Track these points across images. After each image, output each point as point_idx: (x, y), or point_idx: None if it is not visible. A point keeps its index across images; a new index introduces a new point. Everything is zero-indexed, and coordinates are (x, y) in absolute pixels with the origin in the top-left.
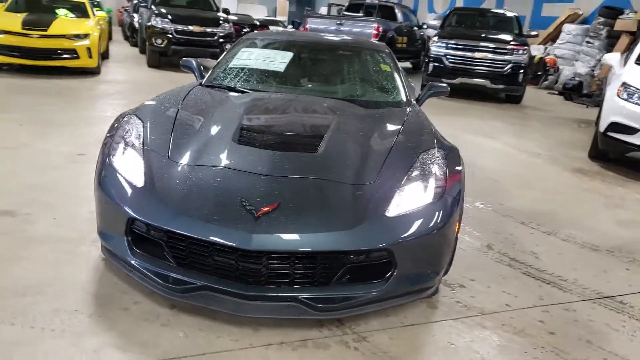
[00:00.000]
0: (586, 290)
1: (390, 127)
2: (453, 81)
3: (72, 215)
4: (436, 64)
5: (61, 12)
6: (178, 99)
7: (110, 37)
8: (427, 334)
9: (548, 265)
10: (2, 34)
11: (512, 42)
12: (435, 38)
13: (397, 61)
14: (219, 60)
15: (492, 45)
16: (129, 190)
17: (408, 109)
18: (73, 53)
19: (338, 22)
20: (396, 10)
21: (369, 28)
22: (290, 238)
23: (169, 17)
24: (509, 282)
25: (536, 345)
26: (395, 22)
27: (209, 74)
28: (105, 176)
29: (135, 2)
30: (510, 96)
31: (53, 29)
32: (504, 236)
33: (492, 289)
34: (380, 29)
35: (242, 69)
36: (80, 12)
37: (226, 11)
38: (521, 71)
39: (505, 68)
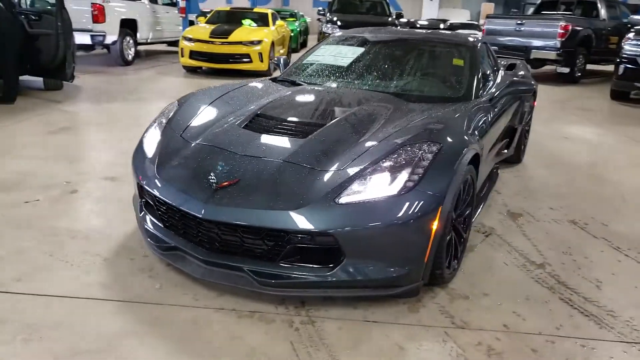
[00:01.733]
0: (634, 332)
1: (409, 120)
2: None
3: None
4: (629, 65)
5: (246, 22)
6: (226, 89)
7: (304, 44)
8: (380, 333)
9: (605, 297)
10: (195, 42)
11: None
12: (631, 35)
13: (479, 56)
14: (300, 56)
15: None
16: (142, 160)
17: (462, 105)
18: (247, 57)
19: (518, 22)
20: (599, 5)
21: (554, 27)
22: (236, 211)
23: (338, 23)
24: (532, 304)
25: None
26: (597, 19)
27: (286, 68)
28: (136, 149)
29: None
30: None
31: (232, 37)
32: (573, 258)
33: (502, 307)
34: (570, 27)
35: (312, 64)
36: (263, 21)
37: (399, 15)
38: None
39: None
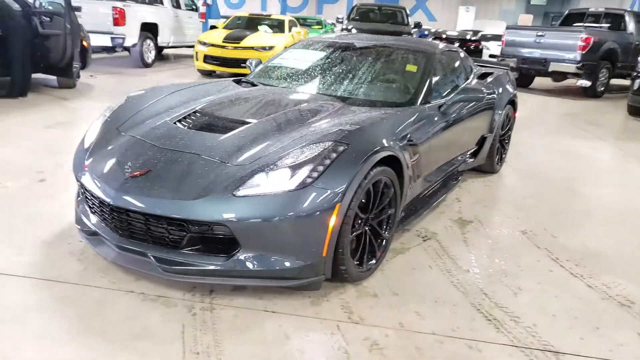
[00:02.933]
0: (532, 339)
1: (335, 121)
2: None
3: None
4: None
5: (262, 28)
6: (180, 87)
7: None
8: (274, 322)
9: (519, 303)
10: (209, 46)
11: None
12: None
13: (434, 64)
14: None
15: None
16: (79, 150)
17: (399, 110)
18: None
19: (538, 34)
20: (627, 18)
21: (574, 39)
22: (141, 200)
23: (353, 31)
24: (438, 306)
25: None
26: (624, 32)
27: (254, 70)
28: (81, 140)
29: None
30: None
31: (245, 42)
32: (503, 266)
33: (407, 307)
34: (591, 40)
35: (276, 67)
36: (280, 28)
37: (418, 25)
38: None
39: None
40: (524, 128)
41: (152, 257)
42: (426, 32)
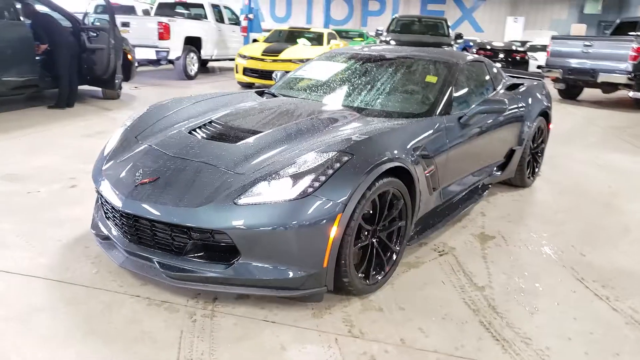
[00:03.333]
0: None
1: (346, 132)
2: None
3: None
4: None
5: (301, 41)
6: (202, 98)
7: None
8: (272, 332)
9: (532, 324)
10: (249, 59)
11: None
12: None
13: (454, 74)
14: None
15: None
16: (100, 157)
17: (414, 120)
18: None
19: (586, 44)
20: None
21: (625, 49)
22: (147, 206)
23: (392, 43)
24: (445, 323)
25: None
26: None
27: (277, 81)
28: (103, 147)
29: None
30: None
31: (283, 55)
32: (522, 284)
33: (411, 323)
34: None
35: (297, 78)
36: (318, 41)
37: (459, 36)
38: None
39: None
40: (565, 141)
41: (156, 263)
42: (471, 43)
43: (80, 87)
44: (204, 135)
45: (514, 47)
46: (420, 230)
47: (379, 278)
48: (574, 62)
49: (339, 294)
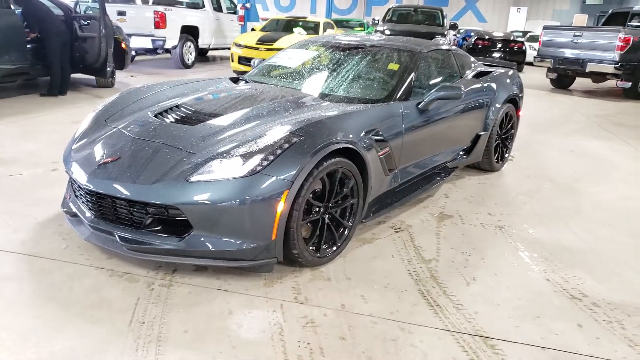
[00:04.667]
0: (468, 325)
1: (302, 115)
2: None
3: None
4: None
5: (297, 30)
6: (174, 83)
7: None
8: (222, 300)
9: (467, 293)
10: (244, 48)
11: None
12: None
13: (417, 62)
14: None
15: None
16: (71, 140)
17: (370, 105)
18: None
19: (575, 34)
20: None
21: (613, 39)
22: (107, 183)
23: (386, 33)
24: (386, 291)
25: (304, 342)
26: None
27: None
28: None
29: None
30: None
31: (277, 44)
32: (467, 257)
33: (354, 291)
34: (631, 39)
35: (271, 65)
36: (315, 30)
37: (454, 26)
38: None
39: None
40: (545, 128)
41: (117, 236)
42: (472, 33)
43: (75, 76)
44: (168, 119)
45: (512, 38)
46: (377, 208)
47: (330, 251)
48: (564, 52)
49: (292, 265)
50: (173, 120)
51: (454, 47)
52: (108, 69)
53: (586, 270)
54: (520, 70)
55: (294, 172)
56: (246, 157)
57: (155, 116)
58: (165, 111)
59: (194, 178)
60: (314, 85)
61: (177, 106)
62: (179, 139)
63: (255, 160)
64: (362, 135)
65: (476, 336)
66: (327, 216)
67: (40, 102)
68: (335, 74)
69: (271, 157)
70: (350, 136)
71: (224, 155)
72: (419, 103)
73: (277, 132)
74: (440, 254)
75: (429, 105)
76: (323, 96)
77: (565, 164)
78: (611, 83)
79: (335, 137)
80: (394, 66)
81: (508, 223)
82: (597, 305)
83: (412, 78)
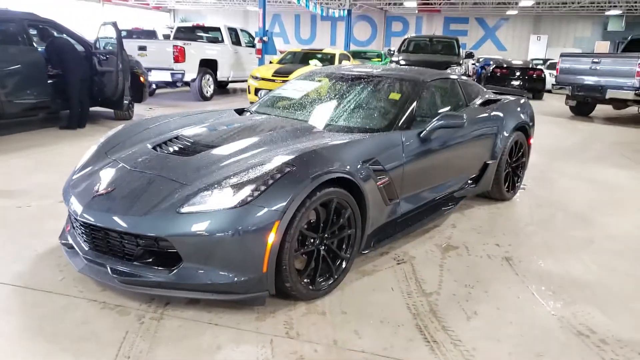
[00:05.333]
0: None
1: (298, 145)
2: None
3: None
4: None
5: (313, 62)
6: (176, 115)
7: None
8: (212, 334)
9: (468, 328)
10: (260, 80)
11: None
12: None
13: (419, 92)
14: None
15: None
16: (72, 172)
17: (368, 135)
18: None
19: (594, 61)
20: None
21: (632, 65)
22: (99, 215)
23: (401, 63)
24: (382, 326)
25: None
26: None
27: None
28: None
29: None
30: None
31: (293, 76)
32: (470, 291)
33: (349, 325)
34: None
35: (275, 97)
36: (330, 62)
37: (470, 55)
38: None
39: None
40: (563, 156)
41: (109, 268)
42: (491, 62)
43: (94, 109)
44: (166, 150)
45: (530, 65)
46: (378, 239)
47: (326, 284)
48: (583, 79)
49: (287, 299)
50: (171, 151)
51: (462, 76)
52: (125, 102)
53: (596, 304)
54: (540, 98)
55: (284, 203)
56: (237, 187)
57: (154, 148)
58: (165, 143)
59: (185, 209)
60: (315, 115)
61: (176, 137)
62: (174, 171)
63: (246, 190)
64: (359, 164)
65: None
66: (322, 247)
67: (59, 135)
68: (337, 104)
69: (263, 188)
70: (347, 166)
71: (215, 186)
72: (420, 132)
73: (270, 162)
74: (442, 287)
75: (430, 134)
76: (323, 126)
77: (580, 192)
78: (633, 110)
79: (330, 166)
80: (395, 95)
81: (516, 254)
82: (606, 342)
83: (413, 107)
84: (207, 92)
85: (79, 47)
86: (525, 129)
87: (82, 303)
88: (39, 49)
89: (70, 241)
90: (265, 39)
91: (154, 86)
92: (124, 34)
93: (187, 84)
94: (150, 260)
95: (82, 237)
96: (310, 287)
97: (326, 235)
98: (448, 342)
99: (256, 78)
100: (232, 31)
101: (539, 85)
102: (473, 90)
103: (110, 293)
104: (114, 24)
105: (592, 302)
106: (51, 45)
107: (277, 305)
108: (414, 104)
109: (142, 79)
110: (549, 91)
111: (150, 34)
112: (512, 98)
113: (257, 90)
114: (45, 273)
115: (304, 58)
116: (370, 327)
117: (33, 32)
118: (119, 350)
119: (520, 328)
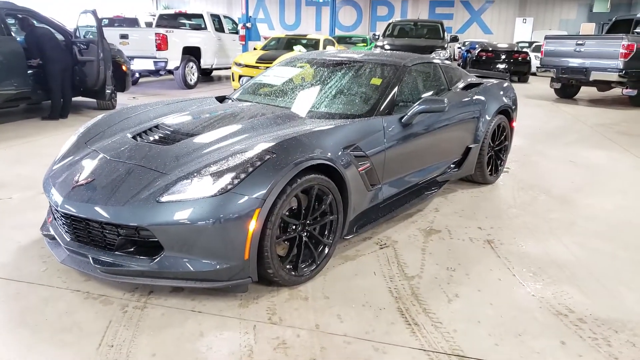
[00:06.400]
0: (445, 344)
1: (279, 132)
2: None
3: None
4: None
5: (297, 48)
6: (157, 104)
7: None
8: (194, 321)
9: (448, 310)
10: (244, 67)
11: None
12: None
13: (400, 77)
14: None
15: None
16: (52, 162)
17: (349, 121)
18: None
19: (578, 43)
20: None
21: (616, 47)
22: (79, 205)
23: (386, 47)
24: (364, 310)
25: None
26: None
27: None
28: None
29: None
30: None
31: (276, 62)
32: (451, 274)
33: (331, 310)
34: (635, 47)
35: (256, 83)
36: (314, 47)
37: (455, 39)
38: None
39: None
40: (546, 139)
41: (90, 258)
42: (476, 45)
43: (77, 99)
44: (145, 139)
45: (516, 48)
46: (361, 224)
47: (309, 270)
48: (567, 61)
49: (270, 285)
50: (151, 140)
51: (445, 60)
52: (107, 91)
53: (575, 284)
54: (525, 81)
55: (265, 191)
56: (217, 175)
57: (134, 137)
58: (145, 132)
59: (165, 198)
60: (296, 102)
61: (156, 126)
62: (153, 160)
63: (227, 179)
64: (340, 151)
65: (453, 355)
66: (304, 234)
67: (41, 126)
68: (318, 90)
69: (243, 175)
70: (328, 152)
71: (195, 174)
72: (402, 117)
73: (251, 149)
74: (424, 271)
75: (412, 119)
76: (304, 113)
77: (563, 175)
78: (617, 91)
79: (310, 153)
80: (376, 81)
81: (497, 237)
82: (583, 321)
83: (394, 92)
84: (190, 80)
85: (59, 36)
86: (507, 112)
87: (65, 293)
88: (18, 39)
89: (52, 232)
90: (249, 25)
91: (137, 75)
92: (105, 22)
93: (170, 72)
94: (132, 249)
95: (64, 228)
96: (293, 273)
97: (308, 222)
98: (429, 325)
99: (240, 65)
100: (215, 18)
101: (524, 68)
102: (455, 74)
103: (94, 283)
104: (94, 12)
105: (571, 282)
106: (31, 35)
107: (260, 292)
108: (395, 89)
109: (124, 67)
110: (534, 74)
111: (132, 22)
112: (494, 81)
113: (241, 77)
114: (28, 264)
115: (288, 44)
116: (352, 311)
117: (11, 21)
118: (102, 339)
119: (500, 309)
